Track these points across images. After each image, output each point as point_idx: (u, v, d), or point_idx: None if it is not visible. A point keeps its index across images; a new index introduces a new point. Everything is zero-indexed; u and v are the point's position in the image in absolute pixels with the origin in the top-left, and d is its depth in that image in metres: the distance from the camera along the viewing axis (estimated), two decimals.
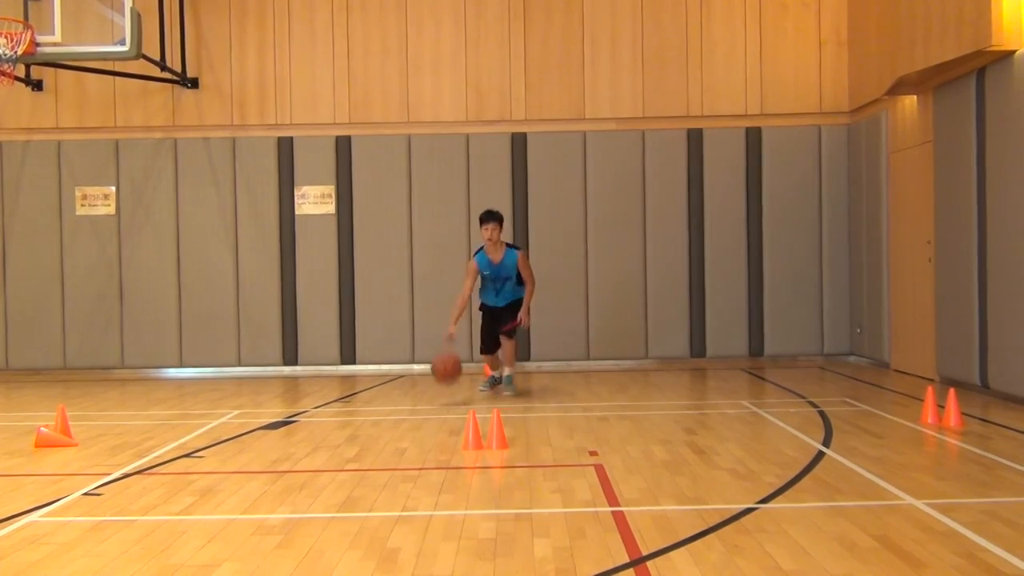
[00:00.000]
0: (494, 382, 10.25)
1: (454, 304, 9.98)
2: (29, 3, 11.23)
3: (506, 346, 9.93)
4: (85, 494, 5.85)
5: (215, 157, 12.72)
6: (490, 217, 9.84)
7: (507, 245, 9.90)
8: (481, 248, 9.93)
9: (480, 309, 10.29)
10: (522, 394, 10.17)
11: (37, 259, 12.68)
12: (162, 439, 7.74)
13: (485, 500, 5.59)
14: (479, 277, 9.94)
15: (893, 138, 11.49)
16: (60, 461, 6.95)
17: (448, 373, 9.43)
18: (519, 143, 12.71)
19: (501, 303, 9.99)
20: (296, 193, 12.73)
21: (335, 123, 12.81)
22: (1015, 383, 8.74)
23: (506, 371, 10.04)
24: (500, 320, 9.94)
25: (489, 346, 10.12)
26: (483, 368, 11.89)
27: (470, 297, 9.92)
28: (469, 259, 10.25)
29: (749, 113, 12.75)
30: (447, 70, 12.80)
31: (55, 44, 10.65)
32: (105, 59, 11.42)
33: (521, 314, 9.83)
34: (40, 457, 7.11)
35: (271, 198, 12.72)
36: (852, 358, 12.66)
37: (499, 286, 9.94)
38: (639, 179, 12.66)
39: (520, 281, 9.92)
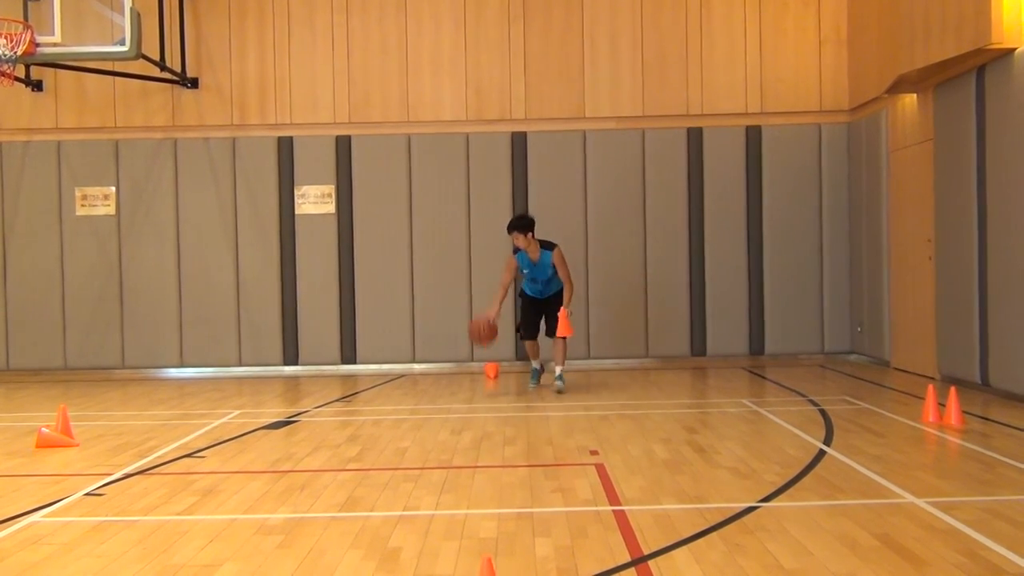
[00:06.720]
0: (537, 374, 10.64)
1: (495, 294, 10.29)
2: (29, 3, 11.24)
3: (558, 344, 10.21)
4: (86, 494, 5.86)
5: (215, 157, 12.72)
6: (512, 227, 10.07)
7: (542, 244, 10.10)
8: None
9: (520, 296, 10.70)
10: (569, 390, 10.18)
11: (37, 260, 12.68)
12: (163, 439, 7.75)
13: (486, 499, 5.58)
14: (520, 272, 10.21)
15: (893, 136, 11.49)
16: (61, 461, 6.95)
17: (483, 335, 9.79)
18: (519, 142, 12.71)
19: (543, 294, 10.33)
20: (296, 193, 12.73)
21: (335, 123, 12.81)
22: (1016, 381, 8.74)
23: (557, 369, 10.25)
24: (543, 310, 10.31)
25: (531, 332, 10.43)
26: (483, 369, 11.94)
27: (508, 288, 10.20)
28: (510, 256, 10.41)
29: (749, 112, 12.74)
30: (447, 69, 12.80)
31: (55, 44, 10.65)
32: (105, 59, 11.42)
33: (561, 315, 9.92)
34: (41, 457, 7.12)
35: (271, 198, 12.72)
36: (853, 356, 12.66)
37: (540, 283, 10.23)
38: (639, 178, 12.65)
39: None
